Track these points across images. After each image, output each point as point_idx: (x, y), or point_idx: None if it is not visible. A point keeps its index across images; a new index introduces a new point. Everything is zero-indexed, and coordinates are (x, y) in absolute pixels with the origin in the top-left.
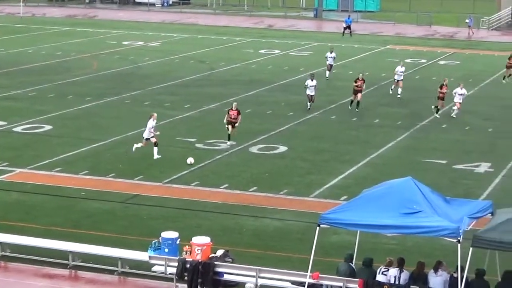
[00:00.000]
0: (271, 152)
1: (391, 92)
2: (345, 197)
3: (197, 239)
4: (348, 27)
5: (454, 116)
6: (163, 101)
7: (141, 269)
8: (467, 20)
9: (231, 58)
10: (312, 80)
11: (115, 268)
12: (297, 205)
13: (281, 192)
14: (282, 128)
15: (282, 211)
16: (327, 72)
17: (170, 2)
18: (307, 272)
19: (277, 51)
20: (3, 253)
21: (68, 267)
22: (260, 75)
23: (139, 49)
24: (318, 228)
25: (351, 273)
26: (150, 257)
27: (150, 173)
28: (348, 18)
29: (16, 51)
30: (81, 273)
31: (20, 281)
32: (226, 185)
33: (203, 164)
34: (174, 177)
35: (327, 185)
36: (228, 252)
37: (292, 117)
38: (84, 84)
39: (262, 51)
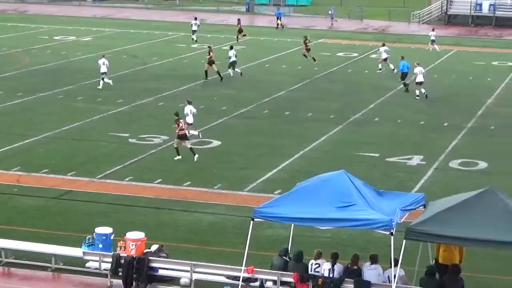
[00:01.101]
0: (205, 146)
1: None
2: (279, 191)
3: (131, 234)
4: (279, 19)
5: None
6: (95, 96)
7: (75, 265)
8: (330, 12)
9: (164, 53)
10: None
11: (49, 265)
12: (231, 199)
13: (215, 187)
14: (215, 123)
15: (216, 206)
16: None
17: None
18: (242, 266)
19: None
20: None
21: (0, 264)
22: (193, 70)
23: (71, 44)
24: (252, 222)
25: (286, 267)
26: (84, 253)
27: (84, 168)
28: (278, 11)
29: None
30: (14, 270)
31: None
32: (160, 179)
33: (136, 159)
34: (108, 172)
35: (261, 179)
36: (162, 247)
37: (225, 112)
38: (16, 79)
39: (195, 45)
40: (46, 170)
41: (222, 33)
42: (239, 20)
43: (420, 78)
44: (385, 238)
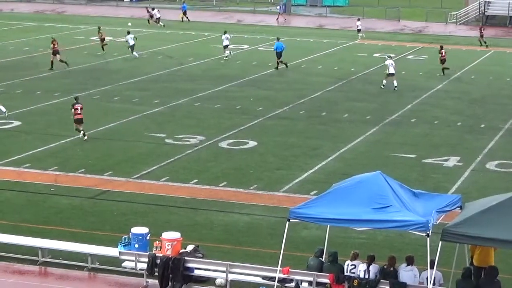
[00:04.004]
0: (241, 147)
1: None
2: (314, 191)
3: (167, 235)
4: (185, 13)
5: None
6: (131, 96)
7: (111, 265)
8: (277, 7)
9: (200, 54)
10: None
11: (85, 264)
12: (266, 200)
13: (251, 187)
14: (252, 123)
15: (252, 206)
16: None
17: None
18: (278, 267)
19: (245, 46)
20: None
21: (37, 263)
22: (229, 70)
23: (108, 45)
24: (288, 223)
25: (321, 268)
26: (120, 253)
27: (120, 168)
28: (184, 5)
29: None
30: (51, 269)
31: None
32: (196, 180)
33: (172, 159)
34: (144, 172)
35: (297, 180)
36: (198, 247)
37: (261, 112)
38: (53, 79)
39: (231, 46)
40: (82, 170)
41: (259, 34)
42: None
43: (391, 70)
44: (421, 239)
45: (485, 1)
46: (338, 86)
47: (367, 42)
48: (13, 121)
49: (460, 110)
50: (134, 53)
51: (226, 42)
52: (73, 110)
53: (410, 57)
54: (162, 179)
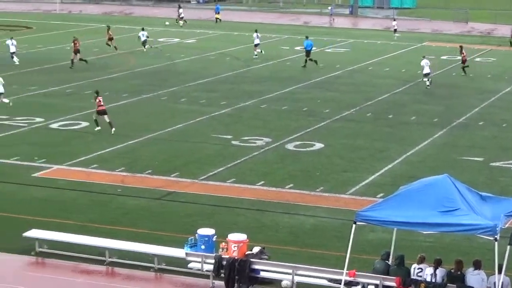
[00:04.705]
0: (307, 149)
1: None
2: (381, 194)
3: (233, 236)
4: (217, 13)
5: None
6: (199, 98)
7: (177, 265)
8: (329, 8)
9: (267, 55)
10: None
11: (152, 265)
12: (333, 202)
13: (317, 190)
14: (318, 125)
15: (318, 208)
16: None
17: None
18: (344, 269)
19: (313, 48)
20: (40, 249)
21: (105, 263)
22: (295, 72)
23: (175, 46)
24: (354, 225)
25: (388, 271)
26: (186, 254)
27: (186, 170)
28: (217, 6)
29: (53, 47)
30: (118, 269)
31: (57, 277)
32: (262, 182)
33: (239, 161)
34: (210, 174)
35: (363, 183)
36: (264, 249)
37: (328, 114)
38: (121, 80)
39: (298, 48)
40: (149, 171)
41: (325, 36)
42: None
43: (426, 70)
44: (489, 243)
45: None
46: (405, 88)
47: (434, 45)
48: (81, 122)
49: None
50: (146, 46)
51: (257, 41)
52: (96, 101)
53: (478, 59)
54: (229, 181)
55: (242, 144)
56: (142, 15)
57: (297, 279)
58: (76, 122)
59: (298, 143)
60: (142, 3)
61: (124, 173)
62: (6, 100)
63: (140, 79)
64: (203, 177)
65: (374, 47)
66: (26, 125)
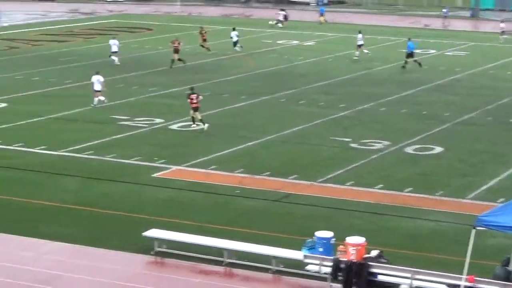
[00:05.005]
0: (427, 152)
1: None
2: (502, 199)
3: (351, 239)
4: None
5: None
6: (318, 100)
7: (295, 267)
8: (443, 10)
9: (386, 58)
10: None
11: (269, 267)
12: (452, 206)
13: (437, 194)
14: (438, 129)
15: (437, 213)
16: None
17: (325, 1)
18: (463, 275)
19: (432, 51)
20: (159, 249)
21: (223, 264)
22: (415, 75)
23: (294, 48)
24: (474, 230)
25: (508, 278)
26: (305, 256)
27: (305, 172)
28: (322, 8)
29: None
30: (235, 270)
31: (176, 277)
32: (381, 185)
33: (357, 164)
34: (329, 176)
35: (484, 187)
36: (382, 252)
37: (448, 118)
38: (240, 82)
39: (418, 51)
40: (268, 172)
41: (445, 39)
42: None
43: None
44: None
45: None
46: None
47: None
48: (200, 123)
49: None
50: (236, 47)
51: (360, 42)
52: (189, 100)
53: None
54: (347, 184)
55: (360, 147)
56: (261, 17)
57: (416, 283)
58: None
59: (417, 146)
60: (261, 6)
61: (243, 175)
62: (102, 98)
63: (259, 81)
64: (321, 180)
65: (496, 50)
66: (146, 126)
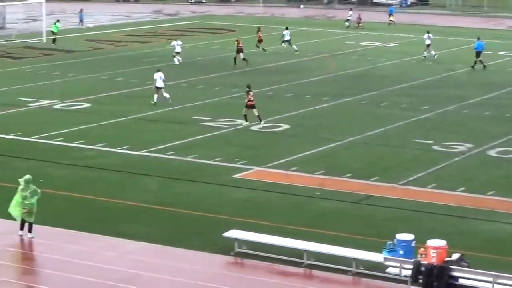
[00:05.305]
0: (510, 156)
1: None
2: None
3: (432, 242)
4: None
5: None
6: (399, 102)
7: (375, 270)
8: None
9: (469, 60)
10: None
11: (350, 268)
12: None
13: None
14: None
15: None
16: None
17: (409, 3)
18: None
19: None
20: (239, 249)
21: (302, 265)
22: (499, 77)
23: (377, 50)
24: None
25: None
26: (385, 259)
27: (386, 174)
28: (391, 8)
29: (253, 51)
30: (315, 272)
31: (254, 277)
32: (463, 188)
33: (439, 166)
34: (411, 178)
35: None
36: (463, 256)
37: None
38: (322, 84)
39: (502, 52)
40: (349, 174)
41: None
42: None
43: None
44: None
45: None
46: None
47: None
48: (281, 124)
49: None
50: (294, 46)
51: (428, 42)
52: (247, 96)
53: None
54: (429, 186)
55: (443, 149)
56: (343, 19)
57: (497, 287)
58: (277, 124)
59: (500, 149)
60: (344, 7)
61: (323, 176)
62: (167, 95)
63: (341, 82)
64: (403, 182)
65: None
66: (227, 126)
